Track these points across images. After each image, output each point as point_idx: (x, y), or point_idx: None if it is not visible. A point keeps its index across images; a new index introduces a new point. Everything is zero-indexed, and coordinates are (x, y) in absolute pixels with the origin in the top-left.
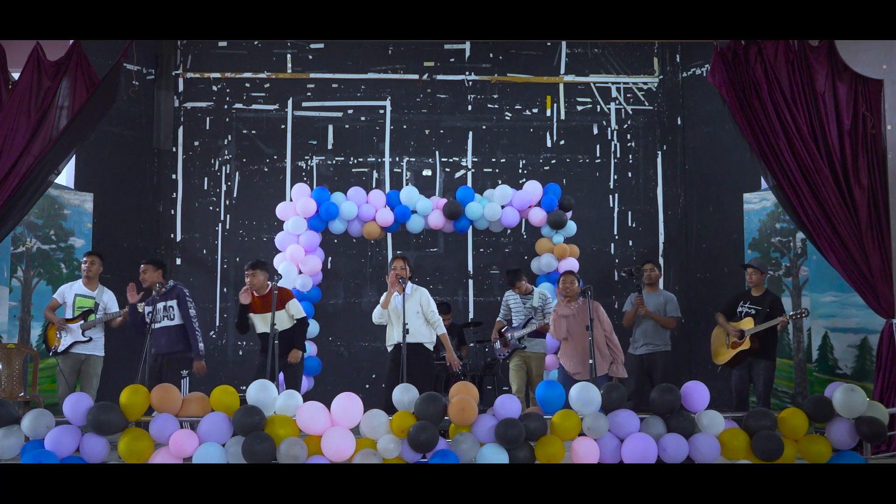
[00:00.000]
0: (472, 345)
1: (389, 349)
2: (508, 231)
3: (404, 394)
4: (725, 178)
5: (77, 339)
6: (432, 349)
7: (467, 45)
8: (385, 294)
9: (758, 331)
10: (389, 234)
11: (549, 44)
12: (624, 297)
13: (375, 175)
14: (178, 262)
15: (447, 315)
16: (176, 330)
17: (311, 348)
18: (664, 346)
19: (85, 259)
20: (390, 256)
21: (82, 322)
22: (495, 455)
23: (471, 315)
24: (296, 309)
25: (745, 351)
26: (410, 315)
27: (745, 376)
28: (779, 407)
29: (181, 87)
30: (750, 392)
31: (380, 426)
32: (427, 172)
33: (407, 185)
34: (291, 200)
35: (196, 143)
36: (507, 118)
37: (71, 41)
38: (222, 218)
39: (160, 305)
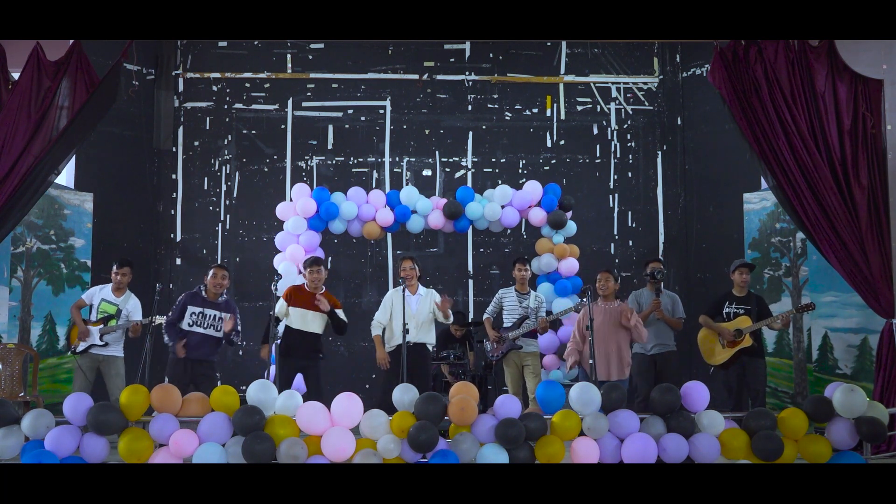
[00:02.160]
0: (478, 343)
1: (391, 349)
2: (508, 231)
3: (404, 394)
4: (725, 178)
5: (94, 342)
6: (431, 349)
7: (467, 45)
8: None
9: (759, 327)
10: (389, 234)
11: (549, 44)
12: (625, 297)
13: (375, 175)
14: (178, 262)
15: (461, 327)
16: (216, 341)
17: None
18: (672, 345)
19: (118, 271)
20: (391, 256)
21: (102, 326)
22: (495, 455)
23: (471, 315)
24: (342, 313)
25: (742, 350)
26: (423, 316)
27: (741, 376)
28: (779, 407)
29: (181, 87)
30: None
31: (380, 426)
32: (427, 172)
33: (407, 185)
34: (291, 200)
35: (196, 143)
36: (507, 118)
37: (71, 41)
38: (222, 218)
39: (211, 313)
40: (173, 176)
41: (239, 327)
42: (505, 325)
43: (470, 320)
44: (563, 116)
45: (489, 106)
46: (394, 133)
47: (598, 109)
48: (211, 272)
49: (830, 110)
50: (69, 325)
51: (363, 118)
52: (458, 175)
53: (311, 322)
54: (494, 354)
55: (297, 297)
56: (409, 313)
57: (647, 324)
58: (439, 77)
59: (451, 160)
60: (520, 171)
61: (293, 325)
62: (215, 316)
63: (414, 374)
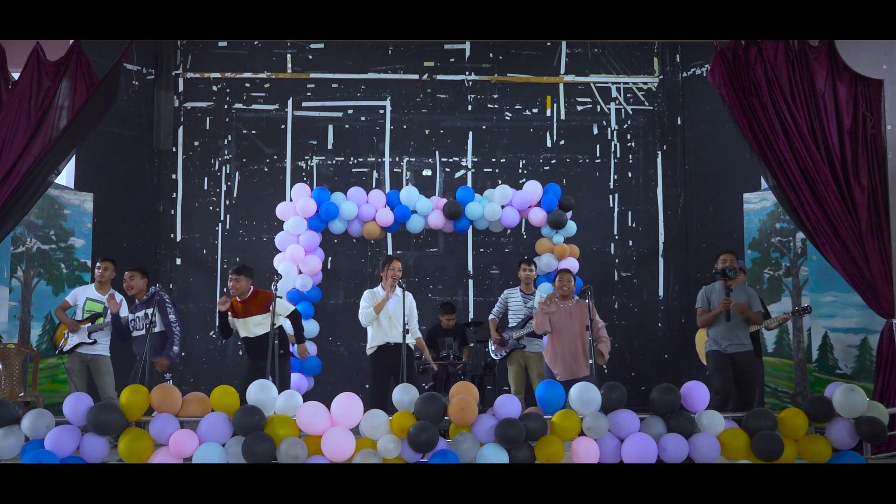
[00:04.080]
0: (472, 345)
1: (372, 350)
2: (508, 231)
3: (404, 394)
4: (725, 178)
5: (83, 340)
6: (413, 349)
7: (467, 45)
8: (383, 297)
9: (754, 330)
10: (389, 234)
11: (549, 44)
12: (625, 297)
13: (375, 175)
14: (178, 262)
15: (451, 315)
16: (157, 337)
17: (312, 348)
18: (748, 344)
19: (99, 265)
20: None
21: (89, 325)
22: (495, 455)
23: (471, 315)
24: (283, 307)
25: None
26: (400, 316)
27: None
28: (779, 407)
29: (181, 87)
30: None
31: (380, 426)
32: (427, 172)
33: (407, 185)
34: (291, 200)
35: (196, 143)
36: (507, 118)
37: (71, 41)
38: (222, 218)
39: (140, 314)
40: (173, 176)
41: (171, 317)
42: (510, 326)
43: (470, 320)
44: (562, 116)
45: (489, 106)
46: (394, 133)
47: (598, 109)
48: None
49: (830, 110)
50: (54, 326)
51: (363, 118)
52: (458, 175)
53: (252, 328)
54: (498, 353)
55: (232, 310)
56: (387, 313)
57: (717, 322)
58: (439, 77)
59: (451, 160)
60: (520, 171)
61: (242, 335)
62: (146, 314)
63: (393, 375)
